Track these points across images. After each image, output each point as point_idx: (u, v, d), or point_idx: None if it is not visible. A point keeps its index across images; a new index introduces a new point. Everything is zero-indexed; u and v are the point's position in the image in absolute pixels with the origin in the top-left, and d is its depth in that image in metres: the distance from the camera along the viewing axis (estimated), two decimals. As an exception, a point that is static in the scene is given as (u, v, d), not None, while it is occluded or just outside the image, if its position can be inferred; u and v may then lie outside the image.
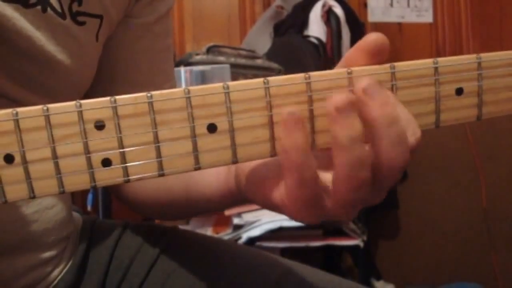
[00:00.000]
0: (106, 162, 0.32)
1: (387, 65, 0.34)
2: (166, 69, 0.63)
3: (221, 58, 1.59)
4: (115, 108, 0.32)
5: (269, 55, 1.76)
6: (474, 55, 0.36)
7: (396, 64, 0.34)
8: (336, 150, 0.32)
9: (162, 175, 0.33)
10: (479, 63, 0.36)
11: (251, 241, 1.37)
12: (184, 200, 0.54)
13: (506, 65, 0.36)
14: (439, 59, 0.35)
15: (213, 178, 0.49)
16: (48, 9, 0.45)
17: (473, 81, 0.36)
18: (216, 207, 0.52)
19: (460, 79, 0.36)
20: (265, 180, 0.37)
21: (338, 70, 0.34)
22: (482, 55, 0.36)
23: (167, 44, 0.62)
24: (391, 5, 2.09)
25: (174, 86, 0.64)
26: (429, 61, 0.35)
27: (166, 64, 0.63)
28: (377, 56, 0.35)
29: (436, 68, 0.35)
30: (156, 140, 0.32)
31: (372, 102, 0.32)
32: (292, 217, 0.35)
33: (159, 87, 0.60)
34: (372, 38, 0.34)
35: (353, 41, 1.81)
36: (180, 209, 0.58)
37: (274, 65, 1.64)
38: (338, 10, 1.78)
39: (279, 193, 0.35)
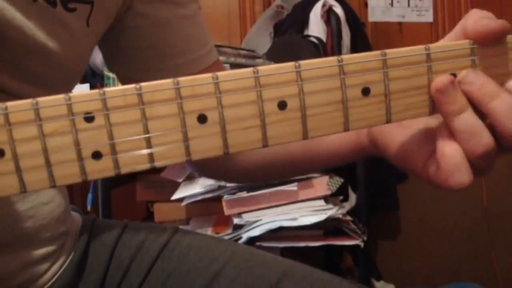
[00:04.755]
0: (97, 155, 0.32)
1: (378, 52, 0.34)
2: (197, 35, 0.61)
3: (221, 58, 1.59)
4: (104, 101, 0.31)
5: (269, 55, 1.76)
6: (467, 41, 0.36)
7: (387, 51, 0.34)
8: (449, 124, 0.37)
9: (153, 166, 0.33)
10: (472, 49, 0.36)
11: (251, 241, 1.36)
12: (304, 157, 0.57)
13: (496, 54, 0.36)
14: (431, 45, 0.35)
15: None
16: None
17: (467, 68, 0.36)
18: (336, 162, 0.55)
19: (453, 65, 0.36)
20: (423, 161, 0.41)
21: (328, 58, 0.34)
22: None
23: (189, 11, 0.60)
24: (392, 4, 2.09)
25: (211, 52, 0.63)
26: (420, 48, 0.35)
27: (195, 30, 0.61)
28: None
29: (428, 55, 0.35)
30: (146, 131, 0.32)
31: (472, 87, 0.36)
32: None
33: (194, 55, 0.60)
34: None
35: (353, 41, 1.81)
36: (297, 167, 0.61)
37: (274, 65, 1.63)
38: (338, 9, 1.77)
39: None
